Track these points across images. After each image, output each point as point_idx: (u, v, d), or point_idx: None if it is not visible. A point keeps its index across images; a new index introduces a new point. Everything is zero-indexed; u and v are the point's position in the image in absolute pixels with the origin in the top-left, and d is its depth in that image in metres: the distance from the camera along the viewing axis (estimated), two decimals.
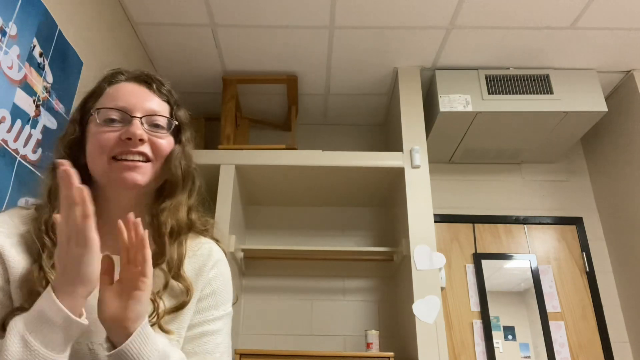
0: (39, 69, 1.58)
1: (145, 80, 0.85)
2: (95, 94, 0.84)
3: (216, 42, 2.53)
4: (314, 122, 3.25)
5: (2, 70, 1.40)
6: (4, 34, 1.41)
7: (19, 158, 1.47)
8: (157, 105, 0.83)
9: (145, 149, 0.79)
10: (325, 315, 2.73)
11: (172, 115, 0.86)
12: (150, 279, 0.69)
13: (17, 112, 1.46)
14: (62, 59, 1.72)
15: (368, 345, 2.38)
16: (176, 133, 0.86)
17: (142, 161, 0.78)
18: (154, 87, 0.85)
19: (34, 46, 1.56)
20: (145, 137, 0.78)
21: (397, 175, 2.57)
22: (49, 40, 1.65)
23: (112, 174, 0.77)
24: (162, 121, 0.82)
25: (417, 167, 2.47)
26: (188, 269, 0.83)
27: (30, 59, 1.54)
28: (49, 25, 1.64)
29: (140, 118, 0.79)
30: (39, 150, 1.58)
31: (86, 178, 0.79)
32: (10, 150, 1.43)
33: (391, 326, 2.65)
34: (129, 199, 0.81)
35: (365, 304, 2.76)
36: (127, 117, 0.79)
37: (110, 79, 0.85)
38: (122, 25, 2.32)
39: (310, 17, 2.35)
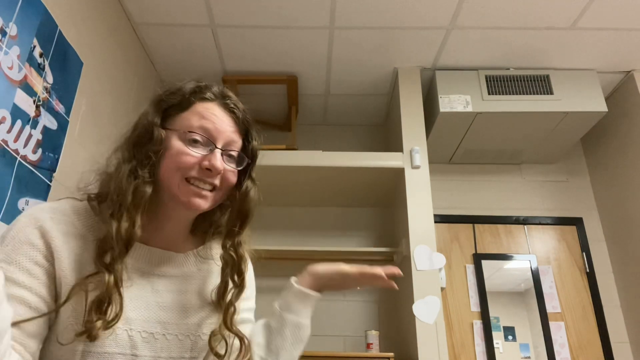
0: (39, 69, 1.58)
1: (233, 109, 0.86)
2: (181, 105, 0.83)
3: (216, 42, 2.53)
4: (314, 122, 3.25)
5: (2, 71, 1.40)
6: (4, 34, 1.41)
7: (19, 158, 1.47)
8: (236, 136, 0.85)
9: (217, 180, 0.81)
10: (325, 316, 2.73)
11: (247, 148, 0.88)
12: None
13: (17, 113, 1.46)
14: (62, 59, 1.72)
15: (368, 346, 2.38)
16: (246, 166, 0.88)
17: (210, 190, 0.81)
18: (240, 118, 0.86)
19: (34, 46, 1.56)
20: (222, 171, 0.81)
21: (397, 176, 2.57)
22: (49, 40, 1.64)
23: (180, 195, 0.79)
24: (236, 154, 0.84)
25: (417, 167, 2.47)
26: (217, 267, 0.90)
27: (31, 59, 1.54)
28: (49, 25, 1.64)
29: (222, 150, 0.81)
30: (39, 151, 1.58)
31: (152, 179, 0.81)
32: (10, 150, 1.43)
33: (391, 326, 2.65)
34: (186, 215, 0.86)
35: (365, 304, 2.76)
36: (210, 144, 0.80)
37: (200, 94, 0.85)
38: (122, 25, 2.32)
39: (310, 17, 2.35)
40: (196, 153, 0.79)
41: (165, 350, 0.78)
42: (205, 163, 0.79)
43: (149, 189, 0.77)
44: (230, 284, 0.86)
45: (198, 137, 0.80)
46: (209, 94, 0.85)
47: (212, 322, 0.85)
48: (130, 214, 0.75)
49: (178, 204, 0.80)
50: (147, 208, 0.78)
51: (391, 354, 2.23)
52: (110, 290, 0.71)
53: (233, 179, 0.84)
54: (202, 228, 0.92)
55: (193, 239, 0.91)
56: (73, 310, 0.71)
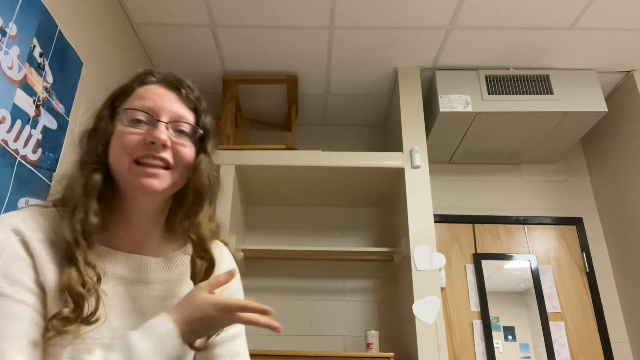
0: (39, 69, 1.58)
1: (176, 85, 0.84)
2: (124, 93, 0.83)
3: (216, 42, 2.53)
4: (314, 122, 3.25)
5: (2, 71, 1.40)
6: (4, 34, 1.41)
7: (19, 158, 1.47)
8: (184, 111, 0.83)
9: (167, 155, 0.78)
10: (325, 316, 2.73)
11: (198, 123, 0.85)
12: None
13: (17, 112, 1.46)
14: (62, 59, 1.72)
15: (368, 346, 2.38)
16: (200, 141, 0.84)
17: (162, 167, 0.78)
18: (183, 93, 0.84)
19: (34, 46, 1.56)
20: (168, 143, 0.78)
21: (397, 176, 2.57)
22: (49, 40, 1.65)
23: (131, 178, 0.77)
24: (187, 128, 0.82)
25: (417, 167, 2.47)
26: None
27: (30, 59, 1.54)
28: (49, 25, 1.64)
29: (167, 123, 0.79)
30: (39, 151, 1.58)
31: (109, 175, 0.80)
32: (10, 150, 1.43)
33: (391, 326, 2.65)
34: (148, 202, 0.82)
35: (365, 304, 2.76)
36: (153, 120, 0.78)
37: (141, 79, 0.84)
38: (122, 25, 2.32)
39: (310, 17, 2.35)
40: (139, 130, 0.77)
41: None
42: (148, 137, 0.76)
43: (97, 177, 0.76)
44: (199, 262, 0.82)
45: (139, 116, 0.78)
46: (149, 77, 0.84)
47: None
48: (83, 204, 0.74)
49: (132, 190, 0.78)
50: (112, 210, 0.78)
51: (391, 354, 2.23)
52: (73, 285, 0.69)
53: (188, 154, 0.80)
54: (178, 226, 0.86)
55: (172, 241, 0.88)
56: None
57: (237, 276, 0.92)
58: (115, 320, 0.75)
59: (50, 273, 0.71)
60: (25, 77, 1.50)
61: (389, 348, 2.48)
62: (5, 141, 1.41)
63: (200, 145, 0.84)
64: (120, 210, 0.81)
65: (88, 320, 0.70)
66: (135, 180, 0.76)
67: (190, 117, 0.83)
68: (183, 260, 0.87)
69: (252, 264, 2.74)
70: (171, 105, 0.81)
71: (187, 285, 0.84)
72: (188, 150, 0.81)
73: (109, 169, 0.80)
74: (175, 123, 0.80)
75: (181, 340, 0.70)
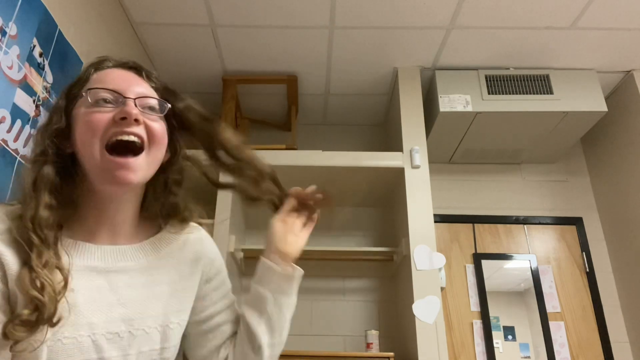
0: (39, 69, 1.58)
1: (133, 66, 0.82)
2: (81, 80, 0.81)
3: (216, 42, 2.53)
4: (314, 122, 3.25)
5: (2, 70, 1.40)
6: (4, 34, 1.41)
7: (19, 158, 1.47)
8: (149, 90, 0.81)
9: (140, 130, 0.75)
10: (325, 315, 2.73)
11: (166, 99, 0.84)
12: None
13: (17, 112, 1.46)
14: (62, 59, 1.72)
15: (368, 345, 2.38)
16: (168, 118, 0.83)
17: (134, 154, 0.74)
18: (143, 74, 0.82)
19: (34, 46, 1.56)
20: (140, 117, 0.75)
21: (397, 175, 2.57)
22: (49, 40, 1.65)
23: (104, 171, 0.73)
24: (155, 103, 0.79)
25: (417, 167, 2.47)
26: (181, 255, 0.87)
27: (30, 59, 1.54)
28: (49, 25, 1.64)
29: (134, 99, 0.76)
30: None
31: (72, 168, 0.77)
32: (10, 150, 1.43)
33: (391, 326, 2.65)
34: (121, 192, 0.79)
35: (365, 304, 2.76)
36: (120, 97, 0.75)
37: (97, 65, 0.82)
38: (122, 25, 2.32)
39: (310, 17, 2.35)
40: (106, 109, 0.74)
41: (134, 346, 0.75)
42: (118, 114, 0.73)
43: (47, 169, 0.73)
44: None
45: (105, 94, 0.75)
46: (106, 63, 0.82)
47: (182, 309, 0.84)
48: (32, 200, 0.70)
49: (107, 185, 0.75)
50: (81, 202, 0.76)
51: (391, 354, 2.22)
52: (26, 288, 0.65)
53: (160, 129, 0.78)
54: (154, 210, 0.85)
55: (148, 226, 0.86)
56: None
57: (219, 254, 0.97)
58: (94, 315, 0.72)
59: (13, 269, 0.68)
60: (25, 77, 1.50)
61: (389, 348, 2.48)
62: (5, 141, 1.41)
63: (168, 122, 0.83)
64: (89, 202, 0.78)
65: (51, 322, 0.66)
66: (110, 174, 0.73)
67: (154, 94, 0.82)
68: (162, 243, 0.85)
69: (252, 264, 2.73)
70: (134, 84, 0.79)
71: (171, 270, 0.84)
72: (158, 125, 0.79)
73: (69, 162, 0.77)
74: (142, 99, 0.77)
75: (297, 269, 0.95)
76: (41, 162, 0.74)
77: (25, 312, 0.64)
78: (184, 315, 0.85)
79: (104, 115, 0.74)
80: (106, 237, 0.79)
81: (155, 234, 0.86)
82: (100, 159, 0.73)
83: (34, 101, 1.55)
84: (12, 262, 0.68)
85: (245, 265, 2.67)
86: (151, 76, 0.83)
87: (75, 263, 0.73)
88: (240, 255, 2.56)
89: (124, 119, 0.73)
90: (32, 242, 0.68)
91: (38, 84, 1.57)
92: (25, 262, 0.68)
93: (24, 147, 1.50)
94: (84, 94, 0.76)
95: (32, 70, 1.54)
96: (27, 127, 1.51)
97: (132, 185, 0.76)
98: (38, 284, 0.66)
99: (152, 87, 0.82)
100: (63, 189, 0.75)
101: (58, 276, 0.68)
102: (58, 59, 1.70)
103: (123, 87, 0.77)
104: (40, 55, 1.59)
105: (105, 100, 0.75)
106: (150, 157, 0.77)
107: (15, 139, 1.46)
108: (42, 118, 1.58)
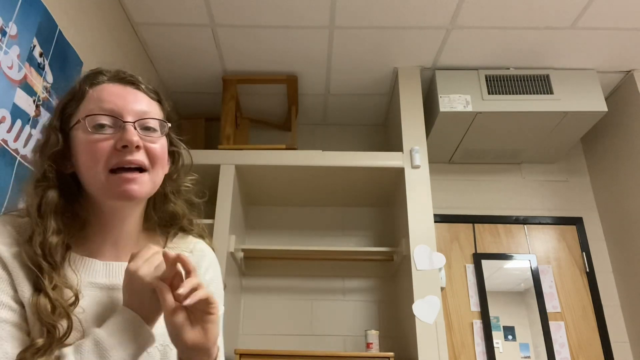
0: (39, 69, 1.58)
1: (130, 80, 0.80)
2: (75, 98, 0.78)
3: (216, 42, 2.53)
4: (314, 122, 3.25)
5: (2, 70, 1.40)
6: (4, 34, 1.41)
7: (19, 158, 1.47)
8: (147, 105, 0.79)
9: (141, 156, 0.75)
10: (325, 315, 2.73)
11: (165, 114, 0.83)
12: (216, 301, 0.69)
13: (17, 112, 1.46)
14: (62, 59, 1.72)
15: (368, 345, 2.38)
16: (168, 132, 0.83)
17: (139, 171, 0.75)
18: (142, 87, 0.81)
19: (34, 46, 1.56)
20: (141, 143, 0.75)
21: (397, 175, 2.57)
22: (49, 40, 1.65)
23: (111, 189, 0.74)
24: (154, 123, 0.78)
25: (417, 167, 2.47)
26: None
27: (30, 59, 1.54)
28: (49, 25, 1.64)
29: (133, 122, 0.75)
30: None
31: (74, 187, 0.78)
32: (10, 150, 1.43)
33: (391, 326, 2.65)
34: (125, 209, 0.79)
35: (365, 304, 2.76)
36: (118, 122, 0.74)
37: (91, 80, 0.79)
38: (122, 25, 2.32)
39: (310, 17, 2.35)
40: (105, 135, 0.73)
41: None
42: (119, 142, 0.73)
43: (51, 194, 0.73)
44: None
45: (103, 120, 0.74)
46: (100, 77, 0.79)
47: None
48: (40, 226, 0.71)
49: (113, 200, 0.75)
50: (86, 221, 0.77)
51: (391, 354, 2.23)
52: (41, 314, 0.66)
53: (160, 151, 0.78)
54: (154, 221, 0.86)
55: (150, 241, 0.85)
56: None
57: (218, 275, 0.91)
58: (100, 331, 0.72)
59: (25, 290, 0.69)
60: (25, 76, 1.50)
61: (389, 348, 2.48)
62: (5, 141, 1.41)
63: (170, 138, 0.83)
64: (93, 218, 0.78)
65: (61, 342, 0.67)
66: (117, 190, 0.73)
67: (154, 110, 0.81)
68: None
69: (252, 264, 2.74)
70: (133, 102, 0.77)
71: None
72: (159, 146, 0.78)
73: (70, 181, 0.77)
74: (141, 121, 0.76)
75: (144, 322, 0.68)
76: (44, 187, 0.74)
77: (39, 341, 0.65)
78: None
79: (105, 144, 0.73)
80: (110, 253, 0.79)
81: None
82: (105, 180, 0.74)
83: (34, 101, 1.55)
84: (24, 286, 0.69)
85: (245, 265, 2.67)
86: (149, 87, 0.82)
87: (82, 279, 0.74)
88: (240, 255, 2.56)
89: (125, 146, 0.73)
90: (42, 268, 0.69)
91: (38, 84, 1.57)
92: (36, 287, 0.68)
93: (24, 147, 1.50)
94: (81, 120, 0.75)
95: (32, 70, 1.54)
96: (27, 127, 1.51)
97: (138, 199, 0.77)
98: (49, 308, 0.67)
99: (153, 99, 0.82)
100: (68, 209, 0.76)
101: (68, 293, 0.70)
102: (58, 59, 1.70)
103: (120, 107, 0.75)
104: (41, 55, 1.59)
105: (102, 125, 0.74)
106: (154, 175, 0.78)
107: (16, 139, 1.46)
108: (42, 118, 1.59)
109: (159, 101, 0.83)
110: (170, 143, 0.84)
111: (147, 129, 0.77)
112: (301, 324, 2.70)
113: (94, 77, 0.80)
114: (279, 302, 2.75)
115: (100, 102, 0.76)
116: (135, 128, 0.75)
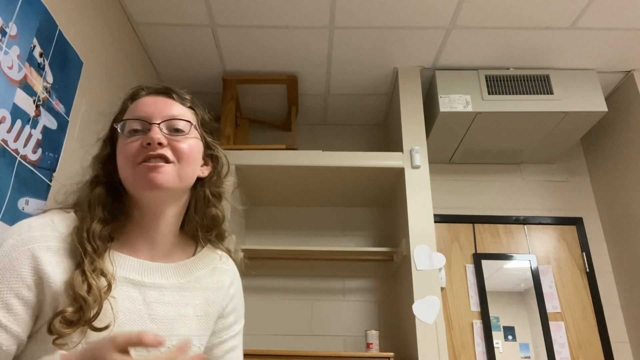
0: (39, 69, 1.58)
1: (165, 91, 0.88)
2: (121, 112, 0.89)
3: (216, 42, 2.53)
4: (314, 122, 3.25)
5: (2, 71, 1.40)
6: (4, 34, 1.41)
7: (19, 158, 1.47)
8: (177, 111, 0.86)
9: (166, 151, 0.81)
10: (325, 315, 2.73)
11: (198, 119, 0.89)
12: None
13: (17, 112, 1.46)
14: (62, 59, 1.72)
15: (368, 345, 2.38)
16: (203, 135, 0.90)
17: (164, 162, 0.81)
18: (174, 96, 0.88)
19: (34, 46, 1.56)
20: (164, 140, 0.81)
21: (397, 176, 2.57)
22: (49, 40, 1.65)
23: (136, 178, 0.80)
24: (182, 125, 0.85)
25: (417, 167, 2.47)
26: (208, 281, 0.90)
27: (30, 59, 1.54)
28: (49, 25, 1.64)
29: (159, 124, 0.82)
30: (39, 151, 1.58)
31: (120, 189, 0.85)
32: (10, 150, 1.43)
33: (391, 326, 2.65)
34: (159, 204, 0.84)
35: (365, 304, 2.76)
36: (146, 125, 0.82)
37: (133, 95, 0.89)
38: (122, 25, 2.32)
39: (310, 17, 2.35)
40: (136, 137, 0.82)
41: None
42: (144, 140, 0.80)
43: (99, 190, 0.83)
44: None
45: (134, 125, 0.83)
46: (140, 92, 0.89)
47: (203, 333, 0.87)
48: (89, 214, 0.79)
49: (141, 190, 0.81)
50: (128, 222, 0.83)
51: (391, 354, 2.23)
52: (76, 287, 0.71)
53: (186, 148, 0.84)
54: (194, 222, 0.92)
55: (185, 247, 0.92)
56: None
57: (241, 289, 0.99)
58: (126, 324, 0.76)
59: (57, 275, 0.73)
60: (25, 77, 1.50)
61: (389, 348, 2.48)
62: (5, 141, 1.41)
63: (206, 141, 0.90)
64: (133, 217, 0.85)
65: (92, 325, 0.71)
66: (141, 179, 0.79)
67: (187, 113, 0.87)
68: (195, 267, 0.90)
69: (252, 264, 2.74)
70: (162, 108, 0.85)
71: (198, 294, 0.87)
72: (186, 145, 0.84)
73: (119, 185, 0.84)
74: (168, 122, 0.84)
75: None
76: (94, 184, 0.84)
77: (70, 309, 0.70)
78: (203, 339, 0.88)
79: (135, 144, 0.81)
80: (146, 253, 0.84)
81: (190, 256, 0.91)
82: (133, 174, 0.81)
83: (34, 101, 1.55)
84: (58, 272, 0.73)
85: (245, 265, 2.67)
86: (183, 96, 0.89)
87: (117, 273, 0.78)
88: (241, 255, 2.56)
89: (149, 144, 0.80)
90: (86, 249, 0.75)
91: (38, 84, 1.57)
92: (78, 266, 0.74)
93: (24, 147, 1.50)
94: (116, 127, 0.85)
95: (32, 70, 1.54)
96: (27, 127, 1.51)
97: (163, 188, 0.80)
98: (86, 286, 0.72)
99: (186, 106, 0.89)
100: (114, 205, 0.84)
101: (103, 281, 0.75)
102: (58, 59, 1.70)
103: (150, 113, 0.83)
104: (41, 55, 1.59)
105: (136, 130, 0.83)
106: (180, 168, 0.83)
107: (16, 139, 1.46)
108: (42, 118, 1.59)
109: (192, 107, 0.90)
110: (208, 147, 0.91)
111: (175, 130, 0.84)
112: (301, 324, 2.70)
113: (135, 93, 0.89)
114: (279, 302, 2.75)
115: (135, 112, 0.85)
116: (160, 129, 0.82)
